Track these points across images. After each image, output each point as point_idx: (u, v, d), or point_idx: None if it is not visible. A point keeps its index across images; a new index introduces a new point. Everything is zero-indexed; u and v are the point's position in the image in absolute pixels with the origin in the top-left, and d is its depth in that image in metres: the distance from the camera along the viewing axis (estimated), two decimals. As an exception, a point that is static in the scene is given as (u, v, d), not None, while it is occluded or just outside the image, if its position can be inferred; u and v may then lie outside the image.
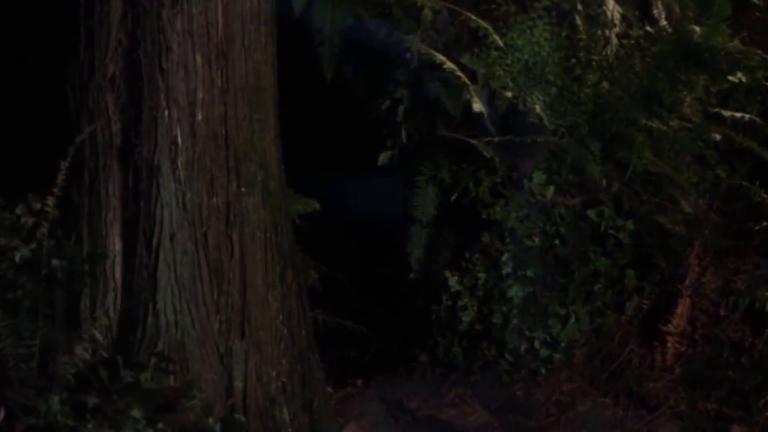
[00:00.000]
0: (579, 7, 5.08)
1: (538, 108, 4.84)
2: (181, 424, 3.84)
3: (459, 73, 4.84)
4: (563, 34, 5.03)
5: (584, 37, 5.06)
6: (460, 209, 4.95)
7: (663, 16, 5.18)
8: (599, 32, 5.08)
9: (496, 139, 4.84)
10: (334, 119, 5.27)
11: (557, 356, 4.89)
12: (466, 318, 4.89)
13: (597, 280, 4.91)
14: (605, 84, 5.02)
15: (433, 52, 4.87)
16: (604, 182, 4.89)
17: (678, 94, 5.03)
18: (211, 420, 3.86)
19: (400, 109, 5.01)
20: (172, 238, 3.96)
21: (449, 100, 4.88)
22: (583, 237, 4.92)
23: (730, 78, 5.09)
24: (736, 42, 5.14)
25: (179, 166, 3.97)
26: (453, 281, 4.90)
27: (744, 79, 5.09)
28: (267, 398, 4.10)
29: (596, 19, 5.10)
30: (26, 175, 4.02)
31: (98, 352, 3.94)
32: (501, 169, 4.88)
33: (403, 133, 5.03)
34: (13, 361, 3.80)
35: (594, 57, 5.06)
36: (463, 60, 4.92)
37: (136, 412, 3.73)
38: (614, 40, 5.06)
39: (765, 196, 4.95)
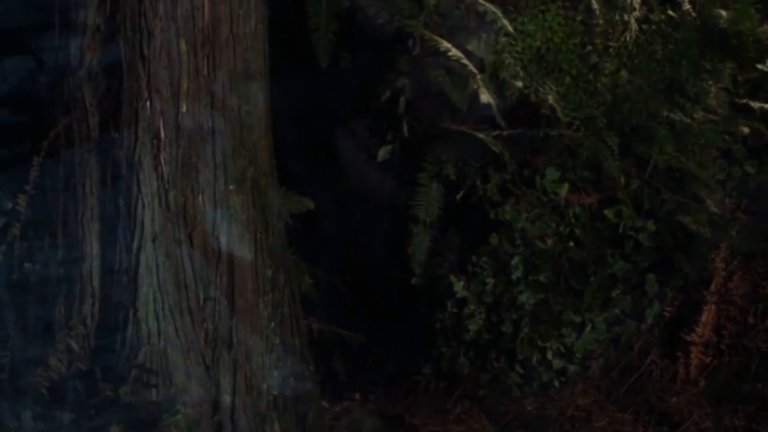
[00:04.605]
0: (595, -11, 5.09)
1: (551, 99, 4.85)
2: (164, 441, 3.85)
3: (465, 61, 4.84)
4: (578, 18, 5.03)
5: (601, 21, 5.07)
6: (466, 209, 4.95)
7: (687, -1, 5.19)
8: (617, 17, 5.08)
9: (505, 133, 4.85)
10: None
11: (572, 368, 4.89)
12: (472, 326, 4.89)
13: (615, 285, 4.91)
14: (624, 73, 5.02)
15: (437, 38, 4.87)
16: (622, 179, 4.89)
17: (703, 84, 5.03)
18: (196, 437, 3.88)
19: (402, 100, 5.02)
20: (154, 239, 3.97)
21: (455, 90, 4.89)
22: (599, 239, 4.92)
23: (759, 66, 5.10)
24: (766, 27, 5.14)
25: (162, 161, 3.98)
26: (459, 287, 4.90)
27: (774, 68, 5.10)
28: (257, 413, 4.10)
29: (614, 2, 5.11)
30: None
31: (74, 363, 3.94)
32: (511, 165, 4.88)
33: (405, 126, 5.04)
34: (-19, 374, 3.82)
35: (612, 44, 5.06)
36: (470, 47, 4.92)
37: (115, 429, 3.73)
38: (634, 26, 5.07)
39: (797, 194, 4.97)
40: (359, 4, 5.01)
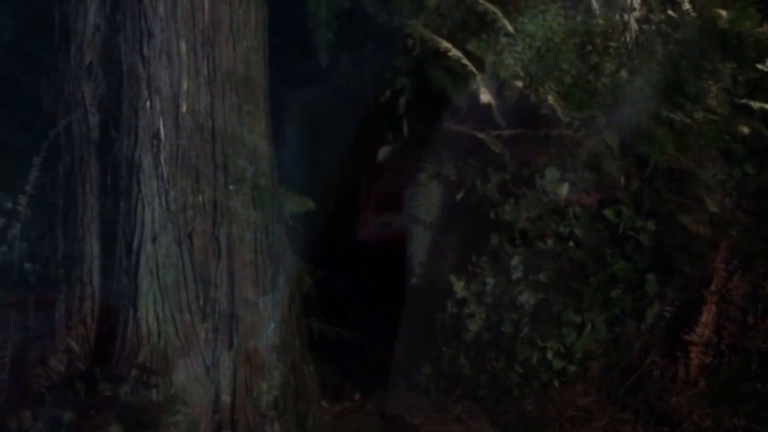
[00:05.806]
0: (595, -11, 5.10)
1: (551, 99, 4.85)
2: (164, 441, 3.85)
3: (465, 62, 4.84)
4: (578, 18, 5.03)
5: (601, 22, 5.07)
6: (466, 209, 4.95)
7: (687, -1, 5.19)
8: (617, 17, 5.09)
9: (505, 133, 4.85)
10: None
11: (572, 368, 4.89)
12: (473, 326, 4.89)
13: (615, 285, 4.92)
14: (624, 73, 5.03)
15: (437, 38, 4.87)
16: (622, 179, 4.90)
17: (703, 84, 5.04)
18: (196, 437, 3.88)
19: (402, 100, 5.02)
20: (154, 239, 3.97)
21: (455, 90, 4.89)
22: (599, 239, 4.92)
23: (759, 66, 5.10)
24: (766, 27, 5.15)
25: (162, 161, 3.98)
26: (459, 287, 4.90)
27: (774, 68, 5.10)
28: (257, 413, 4.11)
29: (614, 2, 5.11)
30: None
31: (74, 363, 3.95)
32: (511, 165, 4.88)
33: (405, 126, 5.04)
34: (-19, 374, 3.82)
35: (612, 44, 5.06)
36: (470, 47, 4.92)
37: (115, 429, 3.74)
38: (634, 26, 5.07)
39: (797, 194, 4.98)
40: (359, 3, 5.01)
